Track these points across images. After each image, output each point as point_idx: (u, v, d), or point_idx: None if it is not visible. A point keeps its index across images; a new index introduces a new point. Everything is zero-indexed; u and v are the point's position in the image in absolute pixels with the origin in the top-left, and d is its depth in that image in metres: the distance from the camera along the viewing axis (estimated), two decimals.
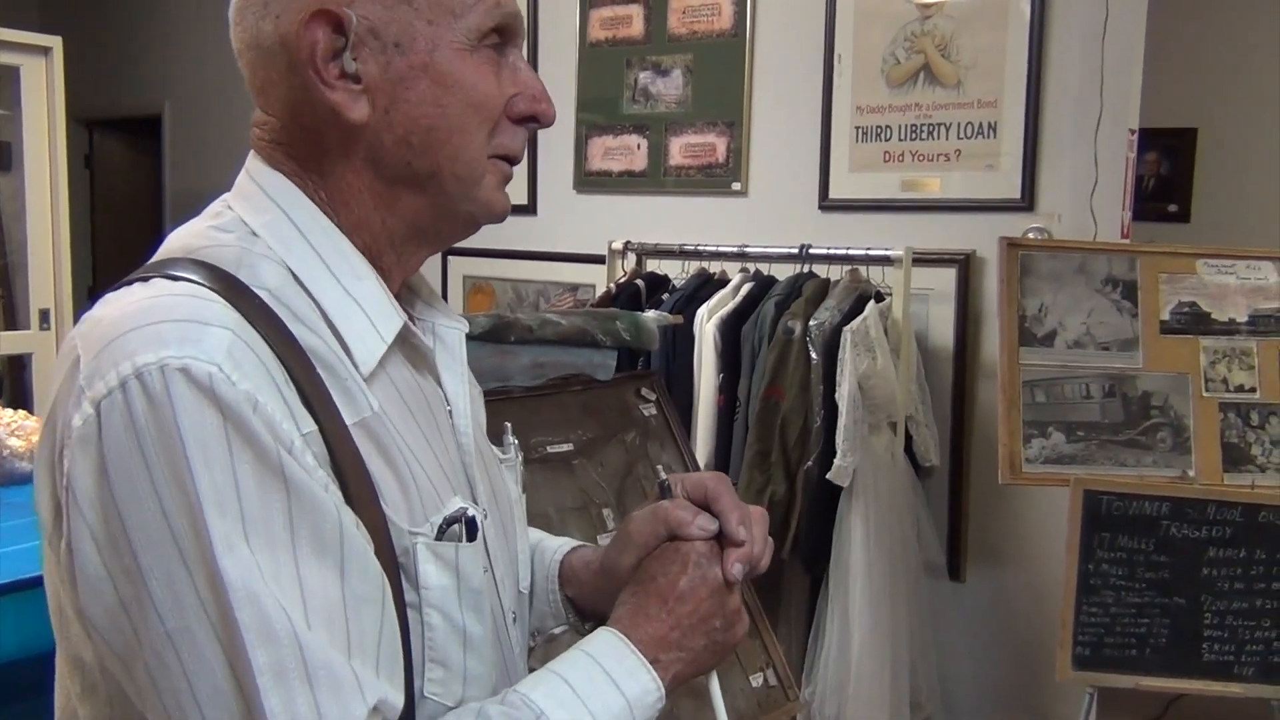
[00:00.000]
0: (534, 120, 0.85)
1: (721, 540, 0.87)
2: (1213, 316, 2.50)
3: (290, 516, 0.67)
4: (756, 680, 1.97)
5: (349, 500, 0.72)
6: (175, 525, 0.65)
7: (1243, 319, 2.50)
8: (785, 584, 2.79)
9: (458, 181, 0.82)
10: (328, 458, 0.71)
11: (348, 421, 0.74)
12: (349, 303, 0.78)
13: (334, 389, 0.74)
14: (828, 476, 2.55)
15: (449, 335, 0.92)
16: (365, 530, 0.72)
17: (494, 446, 1.01)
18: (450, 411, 0.88)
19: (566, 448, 1.94)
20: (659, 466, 0.97)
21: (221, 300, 0.71)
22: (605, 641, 0.82)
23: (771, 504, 2.59)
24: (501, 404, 1.87)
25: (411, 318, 0.91)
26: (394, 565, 0.75)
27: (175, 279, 0.73)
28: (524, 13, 3.73)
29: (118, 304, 0.72)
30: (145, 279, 0.74)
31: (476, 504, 0.87)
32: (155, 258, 0.79)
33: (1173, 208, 5.06)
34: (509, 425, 1.04)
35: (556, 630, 1.03)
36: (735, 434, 2.75)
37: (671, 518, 0.87)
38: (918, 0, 2.99)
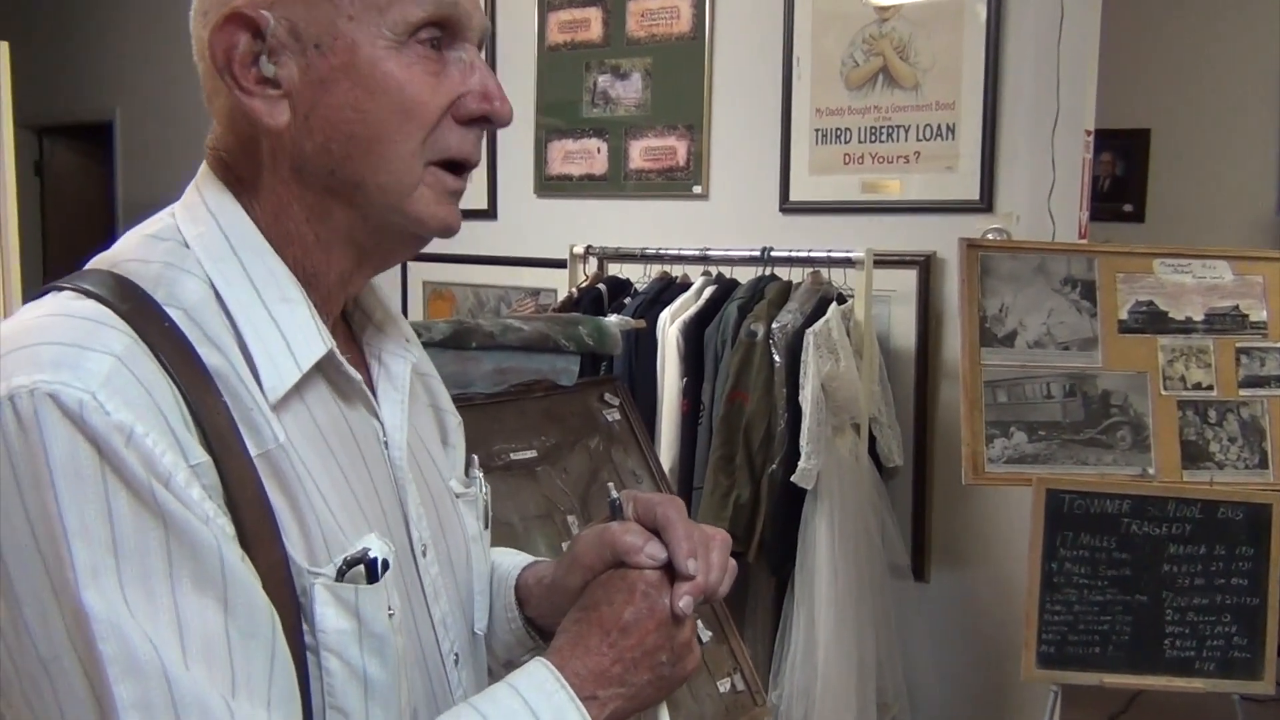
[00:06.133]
0: (486, 120, 0.79)
1: (672, 569, 0.82)
2: (1170, 315, 2.52)
3: (169, 550, 0.65)
4: (724, 685, 1.96)
5: (242, 535, 0.69)
6: (45, 553, 0.63)
7: (1199, 318, 2.52)
8: (751, 587, 2.79)
9: (384, 192, 0.77)
10: (220, 490, 0.68)
11: (252, 453, 0.71)
12: (269, 325, 0.75)
13: (239, 418, 0.71)
14: (792, 479, 2.55)
15: (395, 364, 0.87)
16: (251, 566, 0.68)
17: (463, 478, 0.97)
18: (386, 444, 0.84)
19: (529, 454, 1.92)
20: (609, 485, 0.92)
21: (118, 323, 0.68)
22: (535, 675, 0.77)
23: (737, 507, 2.59)
24: (462, 411, 1.85)
25: (358, 341, 0.88)
26: (294, 605, 0.71)
27: (83, 294, 0.71)
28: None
29: (19, 318, 0.70)
30: (60, 289, 0.72)
31: (411, 541, 0.83)
32: (89, 263, 0.77)
33: (1128, 208, 5.12)
34: (475, 458, 1.00)
35: (525, 658, 0.95)
36: (700, 438, 2.74)
37: (620, 543, 0.82)
38: (875, 3, 3.00)
